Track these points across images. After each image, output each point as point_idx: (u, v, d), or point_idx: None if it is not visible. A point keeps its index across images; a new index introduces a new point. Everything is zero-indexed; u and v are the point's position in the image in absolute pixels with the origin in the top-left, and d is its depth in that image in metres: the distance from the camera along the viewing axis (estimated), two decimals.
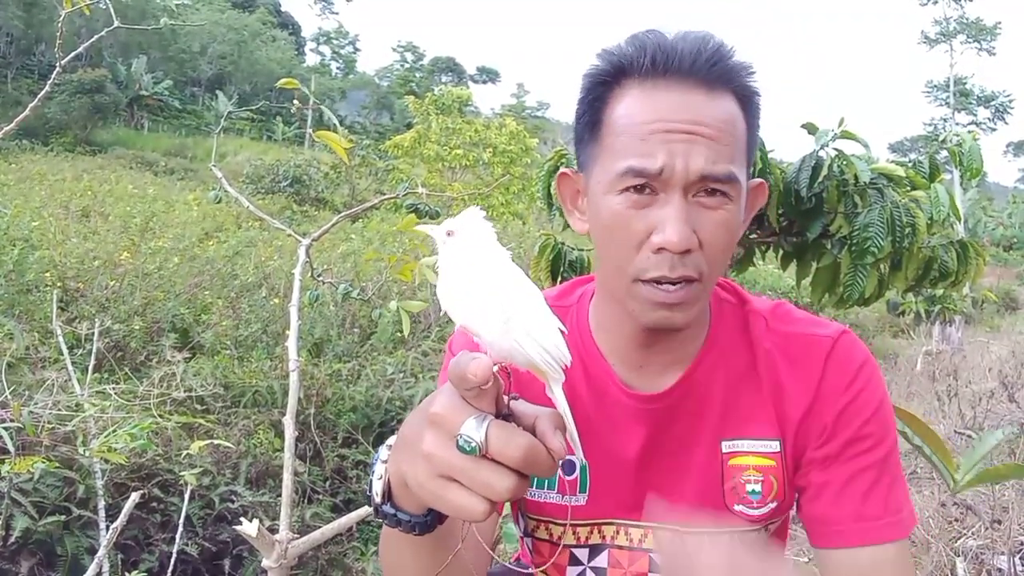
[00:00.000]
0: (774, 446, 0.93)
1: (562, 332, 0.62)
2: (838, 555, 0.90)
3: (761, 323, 0.96)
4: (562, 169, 0.96)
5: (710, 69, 0.82)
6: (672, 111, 0.81)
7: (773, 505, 0.93)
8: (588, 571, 0.98)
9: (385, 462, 0.69)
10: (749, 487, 0.93)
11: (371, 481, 0.70)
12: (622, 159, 0.82)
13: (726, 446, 0.93)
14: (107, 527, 2.48)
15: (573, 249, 2.85)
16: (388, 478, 0.68)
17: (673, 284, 0.83)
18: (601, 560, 0.97)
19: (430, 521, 0.69)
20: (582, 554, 0.97)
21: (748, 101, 0.86)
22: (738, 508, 0.93)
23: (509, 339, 0.60)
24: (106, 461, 2.39)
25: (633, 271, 0.84)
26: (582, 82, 0.88)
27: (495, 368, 0.58)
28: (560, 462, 0.59)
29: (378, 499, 0.69)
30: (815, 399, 0.91)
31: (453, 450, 0.57)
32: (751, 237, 2.74)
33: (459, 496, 0.57)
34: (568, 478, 0.96)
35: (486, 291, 0.61)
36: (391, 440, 0.70)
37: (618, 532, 0.96)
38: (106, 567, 2.44)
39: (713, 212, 0.83)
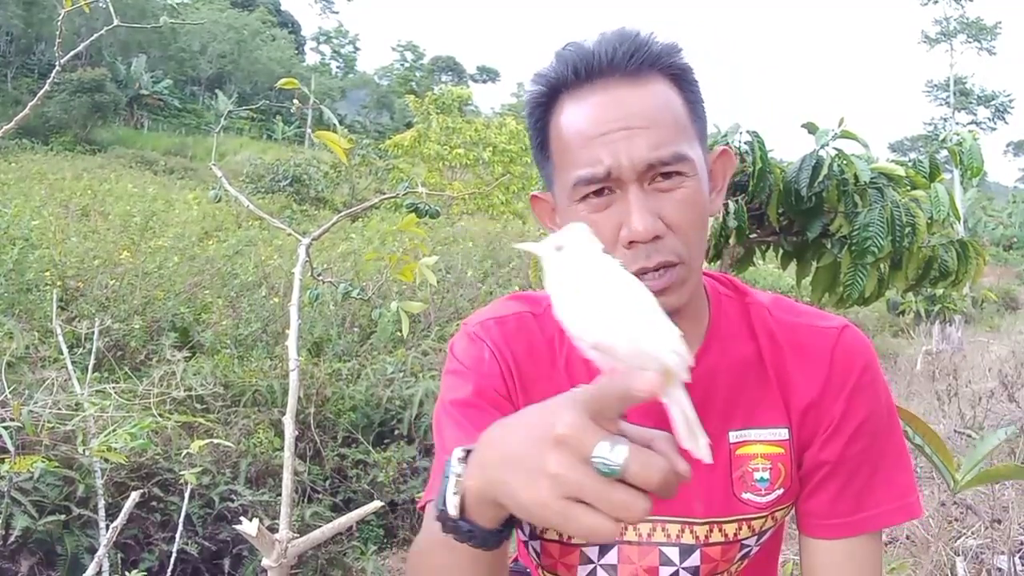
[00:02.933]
0: (783, 434, 0.94)
1: (681, 336, 0.63)
2: (823, 544, 0.93)
3: (763, 313, 0.97)
4: (533, 192, 1.00)
5: (629, 61, 0.84)
6: (604, 112, 0.84)
7: (780, 492, 0.94)
8: (599, 569, 0.97)
9: (459, 475, 0.68)
10: (757, 475, 0.94)
11: (444, 495, 0.68)
12: (571, 171, 0.85)
13: (734, 436, 0.94)
14: (107, 526, 2.49)
15: None
16: (462, 492, 0.68)
17: (655, 271, 0.84)
18: (611, 557, 0.97)
19: (503, 536, 0.69)
20: (592, 552, 0.97)
21: (681, 78, 0.87)
22: (746, 496, 0.94)
23: (647, 350, 0.61)
24: (106, 460, 2.39)
25: None
26: (525, 108, 0.92)
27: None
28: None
29: (455, 512, 0.68)
30: (823, 391, 0.93)
31: (586, 472, 0.56)
32: (751, 237, 2.74)
33: (589, 518, 0.56)
34: None
35: (619, 308, 0.62)
36: (459, 453, 0.69)
37: (627, 528, 0.96)
38: (106, 566, 2.44)
39: (672, 193, 0.84)
